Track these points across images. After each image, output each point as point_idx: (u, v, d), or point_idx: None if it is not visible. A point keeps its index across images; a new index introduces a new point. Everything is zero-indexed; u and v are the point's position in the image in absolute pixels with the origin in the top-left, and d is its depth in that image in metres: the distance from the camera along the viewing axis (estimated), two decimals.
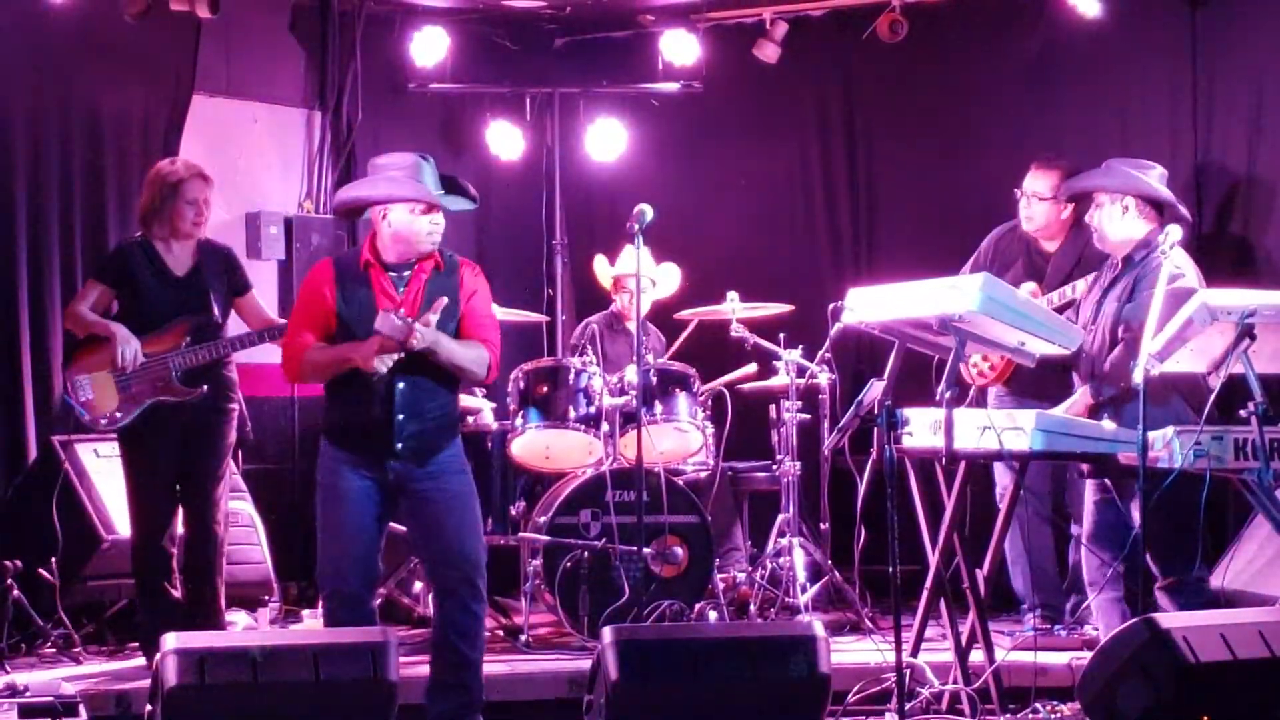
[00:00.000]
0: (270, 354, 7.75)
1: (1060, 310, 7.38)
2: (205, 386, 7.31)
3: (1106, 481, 6.81)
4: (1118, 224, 6.93)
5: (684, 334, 8.82)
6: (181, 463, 7.33)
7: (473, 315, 6.38)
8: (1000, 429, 6.26)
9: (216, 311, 7.41)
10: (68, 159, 8.61)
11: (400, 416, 6.26)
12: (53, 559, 7.79)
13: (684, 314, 8.80)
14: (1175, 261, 6.60)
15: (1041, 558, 7.98)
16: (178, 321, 7.31)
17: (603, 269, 9.02)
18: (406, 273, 6.35)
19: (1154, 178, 6.94)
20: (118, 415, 7.23)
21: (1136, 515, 6.48)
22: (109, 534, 7.97)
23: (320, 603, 6.49)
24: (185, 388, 7.27)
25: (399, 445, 6.27)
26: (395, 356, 6.15)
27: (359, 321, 6.25)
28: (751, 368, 8.64)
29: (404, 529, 6.74)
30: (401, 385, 6.26)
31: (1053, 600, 7.98)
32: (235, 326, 7.55)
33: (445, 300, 6.24)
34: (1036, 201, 7.94)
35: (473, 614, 6.36)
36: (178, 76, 9.02)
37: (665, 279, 8.88)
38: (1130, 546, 6.53)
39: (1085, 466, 6.75)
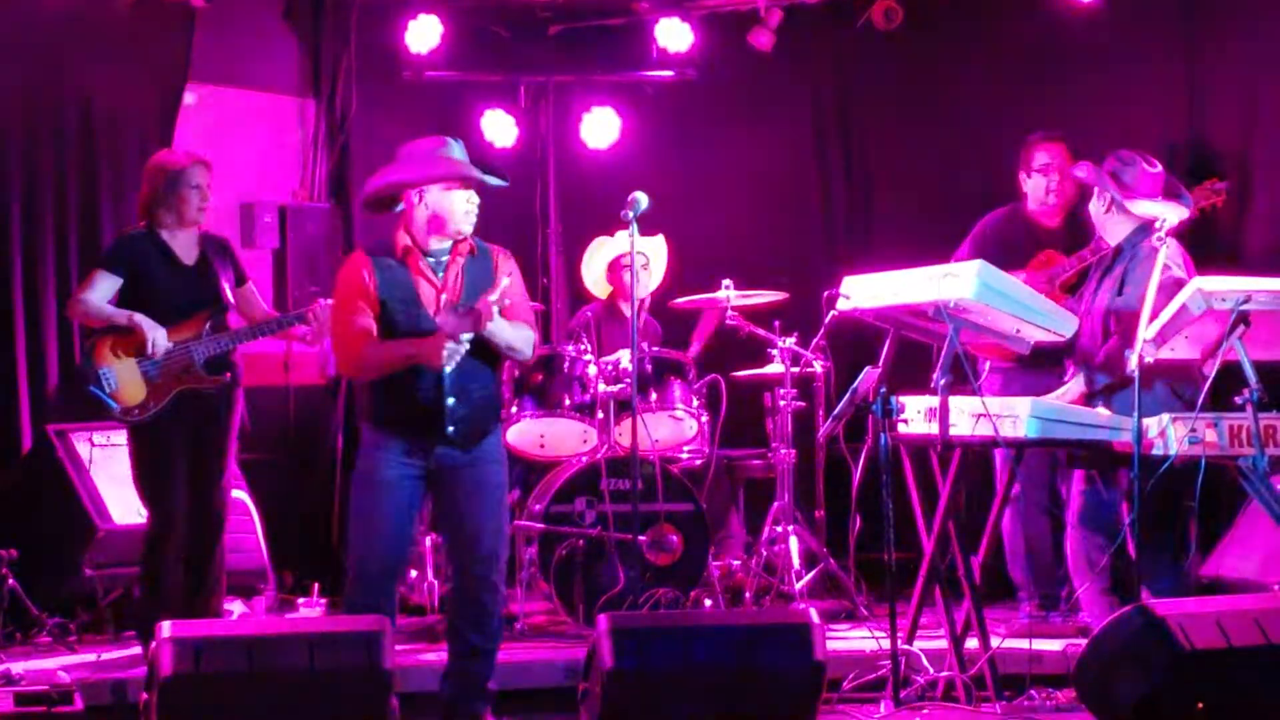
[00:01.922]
0: (264, 343, 7.75)
1: (1093, 268, 7.34)
2: (228, 375, 7.31)
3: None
4: (1101, 216, 6.98)
5: (702, 332, 8.80)
6: (193, 450, 7.32)
7: (510, 298, 6.38)
8: (995, 416, 6.27)
9: (230, 299, 7.41)
10: (61, 149, 8.60)
11: (451, 400, 6.27)
12: (49, 548, 7.80)
13: (679, 301, 8.79)
14: (1166, 262, 6.60)
15: (1038, 546, 7.99)
16: (195, 310, 7.29)
17: (594, 263, 9.02)
18: (444, 258, 6.36)
19: (1141, 180, 6.93)
20: (150, 405, 7.18)
21: (1122, 504, 6.50)
22: (104, 523, 7.97)
23: (345, 585, 6.48)
24: (210, 376, 7.26)
25: (450, 429, 6.28)
26: (462, 351, 6.15)
27: (401, 308, 6.26)
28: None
29: None
30: (449, 370, 6.26)
31: (1049, 588, 7.99)
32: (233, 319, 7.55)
33: (506, 281, 6.26)
34: (1058, 172, 8.00)
35: (482, 605, 6.38)
36: (171, 65, 9.01)
37: (657, 254, 8.86)
38: (1118, 536, 6.55)
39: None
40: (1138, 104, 9.42)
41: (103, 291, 7.25)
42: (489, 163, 6.54)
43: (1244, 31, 9.08)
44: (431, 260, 6.35)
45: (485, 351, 6.32)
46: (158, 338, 7.14)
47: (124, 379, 7.18)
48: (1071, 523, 7.00)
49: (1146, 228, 6.80)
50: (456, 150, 6.41)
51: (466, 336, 6.13)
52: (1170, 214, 6.58)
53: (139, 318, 7.15)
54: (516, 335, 6.33)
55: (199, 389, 7.23)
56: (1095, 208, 7.00)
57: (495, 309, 6.13)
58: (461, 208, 6.32)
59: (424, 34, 9.71)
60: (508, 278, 6.29)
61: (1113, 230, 6.96)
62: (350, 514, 6.42)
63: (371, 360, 6.30)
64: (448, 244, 6.36)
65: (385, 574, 6.34)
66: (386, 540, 6.32)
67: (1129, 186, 6.88)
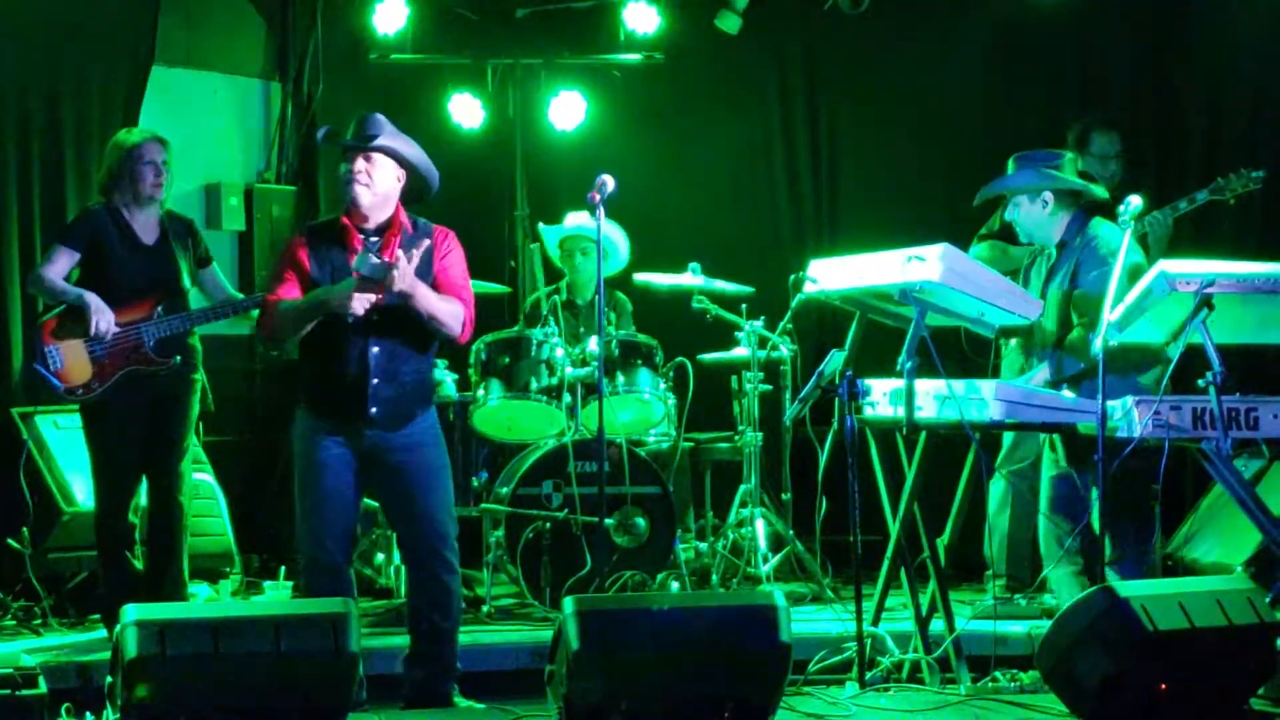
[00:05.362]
0: (230, 324, 7.74)
1: (1028, 266, 7.36)
2: (179, 357, 7.29)
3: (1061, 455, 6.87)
4: (1043, 218, 6.98)
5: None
6: (148, 434, 7.30)
7: (446, 275, 6.38)
8: (961, 399, 6.28)
9: (186, 281, 7.38)
10: (26, 130, 8.56)
11: (374, 380, 6.25)
12: (20, 531, 7.79)
13: (643, 276, 8.74)
14: (1118, 246, 6.62)
15: (1021, 529, 7.96)
16: (150, 291, 7.27)
17: (547, 240, 9.01)
18: (376, 239, 6.32)
19: (1066, 167, 6.97)
20: (94, 386, 7.18)
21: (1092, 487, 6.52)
22: (69, 506, 7.95)
23: (300, 571, 6.48)
24: (159, 358, 7.24)
25: (373, 410, 6.26)
26: (371, 298, 6.10)
27: (331, 282, 6.23)
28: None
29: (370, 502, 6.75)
30: (375, 349, 6.25)
31: (1018, 572, 7.99)
32: (195, 299, 7.52)
33: (426, 243, 6.24)
34: (1114, 161, 8.09)
35: (443, 585, 6.39)
36: (137, 47, 8.97)
37: (611, 249, 8.82)
38: (1086, 517, 6.57)
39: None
40: (1105, 88, 9.46)
41: (60, 266, 7.24)
42: (368, 129, 6.41)
43: (1212, 15, 9.16)
44: (365, 239, 6.32)
45: (416, 335, 6.30)
46: (102, 322, 7.11)
47: (70, 357, 7.16)
48: (1042, 510, 7.03)
49: (1085, 215, 6.88)
50: (367, 123, 6.35)
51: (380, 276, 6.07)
52: (1136, 197, 6.61)
53: (88, 298, 7.13)
54: (441, 306, 6.26)
55: (148, 370, 7.21)
56: (1032, 211, 6.98)
57: (405, 264, 6.05)
58: (342, 177, 6.32)
59: (391, 16, 9.69)
60: (427, 240, 6.26)
61: (1055, 228, 6.98)
62: (295, 497, 6.40)
63: (283, 314, 6.27)
64: (383, 219, 6.35)
65: (337, 555, 6.32)
66: (331, 523, 6.31)
67: (1068, 177, 6.92)
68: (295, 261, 6.32)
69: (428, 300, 6.22)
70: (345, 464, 6.31)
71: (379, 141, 6.31)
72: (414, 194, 6.49)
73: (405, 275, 6.09)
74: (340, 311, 6.13)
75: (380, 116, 6.38)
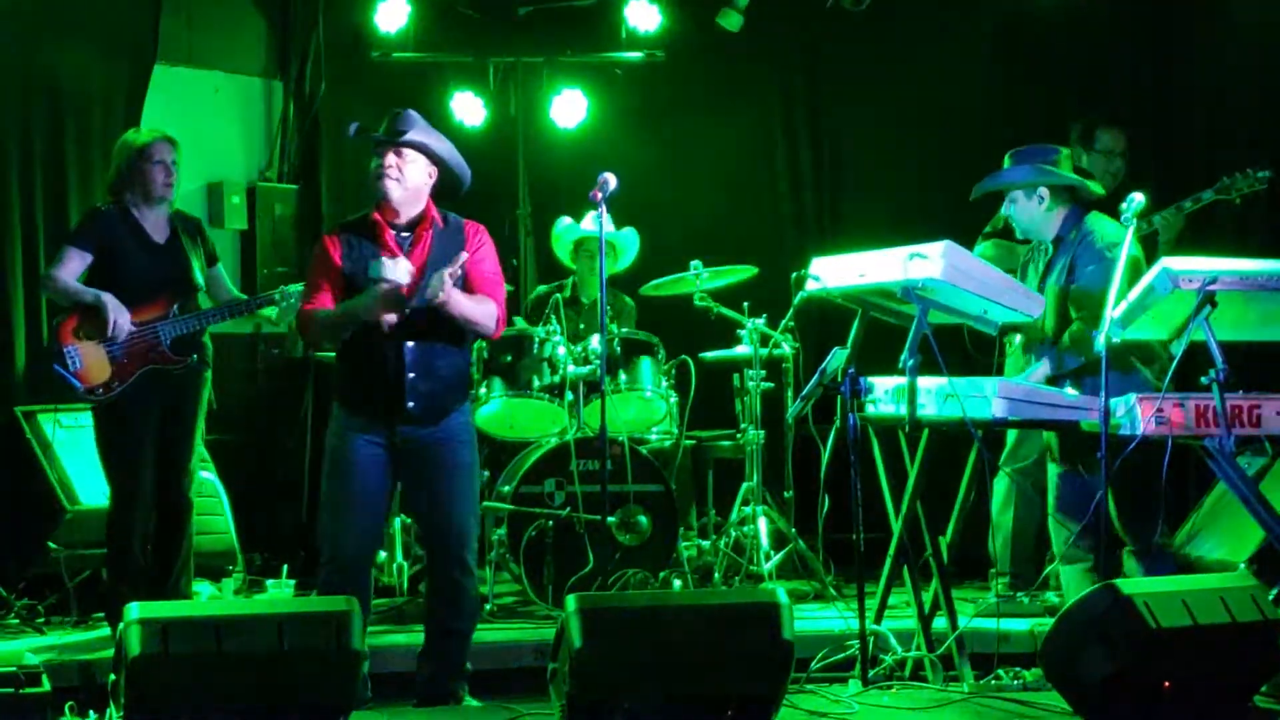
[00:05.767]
0: (233, 324, 7.73)
1: (1026, 262, 7.37)
2: (195, 355, 7.29)
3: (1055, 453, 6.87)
4: (1039, 214, 6.98)
5: None
6: (160, 431, 7.30)
7: (479, 270, 6.38)
8: (964, 396, 6.28)
9: (199, 279, 7.38)
10: (28, 129, 8.57)
11: (411, 375, 6.26)
12: (16, 530, 7.79)
13: (650, 282, 8.77)
14: (1113, 239, 6.61)
15: (1025, 526, 7.96)
16: (163, 289, 7.27)
17: (562, 236, 9.02)
18: (407, 234, 6.34)
19: (1062, 162, 6.98)
20: (113, 385, 7.16)
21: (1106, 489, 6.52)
22: (72, 505, 7.96)
23: (319, 567, 6.48)
24: (175, 356, 7.24)
25: (410, 405, 6.26)
26: (397, 307, 6.11)
27: (365, 279, 6.24)
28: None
29: None
30: (411, 345, 6.26)
31: (1023, 570, 7.99)
32: (199, 299, 7.52)
33: (465, 255, 6.25)
34: (1119, 158, 8.13)
35: (458, 586, 6.40)
36: (139, 46, 8.97)
37: (626, 249, 8.86)
38: (1092, 514, 6.56)
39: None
40: (1105, 85, 9.46)
41: (72, 268, 7.23)
42: (400, 124, 6.43)
43: (1212, 12, 9.14)
44: (397, 234, 6.34)
45: (451, 330, 6.30)
46: (120, 320, 7.11)
47: (89, 358, 7.16)
48: (1052, 513, 7.02)
49: (1082, 211, 6.88)
50: (400, 119, 6.38)
51: (399, 276, 6.08)
52: (1138, 194, 6.61)
53: (105, 298, 7.12)
54: (476, 309, 6.29)
55: (165, 368, 7.22)
56: (1028, 206, 6.98)
57: (448, 281, 6.09)
58: (372, 172, 6.34)
59: (393, 14, 9.70)
60: (465, 252, 6.27)
61: (1050, 224, 6.98)
62: (321, 496, 6.41)
63: (318, 324, 6.30)
64: (414, 215, 6.36)
65: (359, 557, 6.34)
66: (357, 523, 6.31)
67: (1064, 173, 6.92)
68: (327, 263, 6.33)
69: (461, 306, 6.23)
70: (375, 463, 6.32)
71: (409, 136, 6.34)
72: (446, 190, 6.50)
73: (449, 291, 6.11)
74: (371, 320, 6.16)
75: (413, 113, 6.41)
